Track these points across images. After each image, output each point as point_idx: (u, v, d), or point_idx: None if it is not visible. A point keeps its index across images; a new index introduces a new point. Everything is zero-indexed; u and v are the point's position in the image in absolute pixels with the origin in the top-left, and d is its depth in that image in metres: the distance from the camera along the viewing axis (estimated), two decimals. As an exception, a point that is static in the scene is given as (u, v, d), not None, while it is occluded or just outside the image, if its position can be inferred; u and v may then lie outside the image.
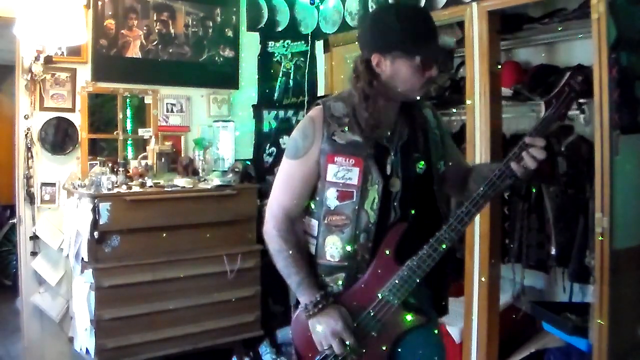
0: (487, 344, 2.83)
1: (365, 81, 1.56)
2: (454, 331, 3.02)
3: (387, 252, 1.56)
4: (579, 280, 2.77)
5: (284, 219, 1.63)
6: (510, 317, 3.04)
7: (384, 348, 1.58)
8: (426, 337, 1.65)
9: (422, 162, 1.62)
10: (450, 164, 1.73)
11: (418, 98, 1.62)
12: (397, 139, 1.61)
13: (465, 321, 2.94)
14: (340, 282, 1.59)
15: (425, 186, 1.63)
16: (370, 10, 3.51)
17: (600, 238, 2.32)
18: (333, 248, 1.58)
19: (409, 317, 1.57)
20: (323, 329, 1.54)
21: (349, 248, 1.56)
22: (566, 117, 1.55)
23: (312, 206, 1.63)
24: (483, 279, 2.83)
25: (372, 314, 1.56)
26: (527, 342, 2.95)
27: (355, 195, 1.56)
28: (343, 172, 1.56)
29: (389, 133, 1.61)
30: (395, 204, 1.57)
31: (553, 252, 2.85)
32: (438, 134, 1.70)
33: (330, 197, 1.58)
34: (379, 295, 1.55)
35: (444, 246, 1.51)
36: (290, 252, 1.60)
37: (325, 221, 1.59)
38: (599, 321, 2.31)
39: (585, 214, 2.69)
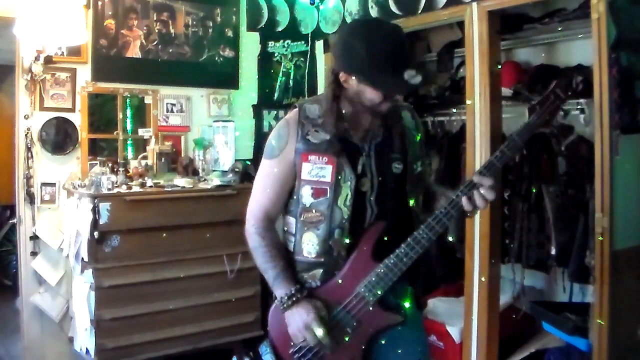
0: (487, 344, 2.83)
1: (332, 92, 1.62)
2: (454, 331, 3.02)
3: (365, 249, 1.59)
4: (579, 280, 2.77)
5: (262, 217, 1.68)
6: (510, 317, 3.04)
7: (359, 345, 1.61)
8: (407, 336, 1.67)
9: (399, 163, 1.66)
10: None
11: (384, 112, 1.64)
12: (371, 138, 1.65)
13: (465, 321, 2.94)
14: (317, 278, 1.63)
15: (400, 185, 1.66)
16: (370, 8, 3.52)
17: (600, 238, 2.32)
18: (310, 244, 1.63)
19: (384, 315, 1.60)
20: (296, 322, 1.58)
21: (324, 244, 1.60)
22: (550, 123, 1.59)
23: (290, 204, 1.69)
24: (483, 279, 2.83)
25: (347, 309, 1.59)
26: (527, 342, 2.95)
27: (328, 192, 1.61)
28: (317, 170, 1.61)
29: (362, 133, 1.65)
30: (371, 200, 1.61)
31: (553, 252, 2.85)
32: (416, 135, 1.74)
33: (306, 195, 1.63)
34: (355, 291, 1.58)
35: (421, 246, 1.55)
36: (267, 248, 1.65)
37: (302, 218, 1.64)
38: (599, 321, 2.31)
39: (585, 214, 2.70)
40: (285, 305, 1.59)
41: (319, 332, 1.55)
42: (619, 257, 2.33)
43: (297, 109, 1.68)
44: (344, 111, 1.63)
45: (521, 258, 2.95)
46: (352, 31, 1.60)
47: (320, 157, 1.61)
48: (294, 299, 1.58)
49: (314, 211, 1.62)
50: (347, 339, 1.60)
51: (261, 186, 1.70)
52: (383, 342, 1.63)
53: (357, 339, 1.60)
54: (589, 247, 2.60)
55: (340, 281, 1.60)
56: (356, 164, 1.62)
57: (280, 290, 1.61)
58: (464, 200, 1.53)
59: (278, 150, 1.66)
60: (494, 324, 2.85)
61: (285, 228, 1.71)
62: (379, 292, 1.57)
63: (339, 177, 1.60)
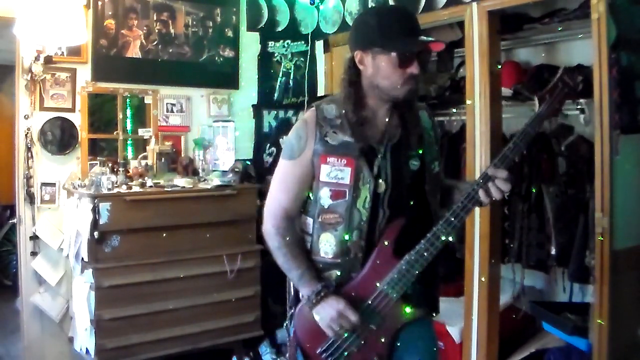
0: (487, 344, 2.83)
1: (350, 79, 1.63)
2: (454, 331, 3.02)
3: (386, 246, 1.60)
4: (579, 280, 2.77)
5: (282, 217, 1.68)
6: (510, 317, 3.04)
7: (383, 340, 1.62)
8: (423, 331, 1.71)
9: (417, 160, 1.66)
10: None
11: (403, 97, 1.63)
12: (387, 140, 1.65)
13: (465, 321, 2.94)
14: (333, 279, 1.63)
15: (418, 185, 1.67)
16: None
17: (600, 238, 2.32)
18: (327, 245, 1.63)
19: (408, 310, 1.61)
20: (328, 313, 1.58)
21: (342, 245, 1.61)
22: (560, 112, 1.59)
23: (307, 205, 1.69)
24: (483, 279, 2.83)
25: (372, 306, 1.60)
26: (527, 342, 2.95)
27: (347, 194, 1.61)
28: (336, 172, 1.62)
29: (378, 134, 1.65)
30: (383, 202, 1.61)
31: (553, 252, 2.85)
32: (432, 136, 1.74)
33: (324, 196, 1.63)
34: (378, 288, 1.59)
35: (441, 240, 1.56)
36: (289, 247, 1.66)
37: (319, 219, 1.64)
38: (599, 321, 2.31)
39: (585, 214, 2.69)
40: (313, 302, 1.60)
41: (353, 317, 1.56)
42: (619, 257, 2.33)
43: (314, 109, 1.68)
44: (362, 105, 1.64)
45: (521, 258, 2.95)
46: (364, 12, 1.70)
47: (339, 159, 1.61)
48: (322, 294, 1.59)
49: (332, 213, 1.62)
50: (372, 335, 1.61)
51: (280, 186, 1.71)
52: (401, 335, 1.64)
53: (381, 336, 1.62)
54: (589, 247, 2.59)
55: (363, 279, 1.61)
56: (372, 166, 1.62)
57: (306, 289, 1.62)
58: (481, 193, 1.54)
59: (298, 152, 1.66)
60: (494, 324, 2.85)
61: (302, 228, 1.71)
62: (402, 289, 1.58)
63: (358, 179, 1.60)
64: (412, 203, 1.65)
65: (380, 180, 1.61)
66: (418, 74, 1.59)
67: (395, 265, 1.58)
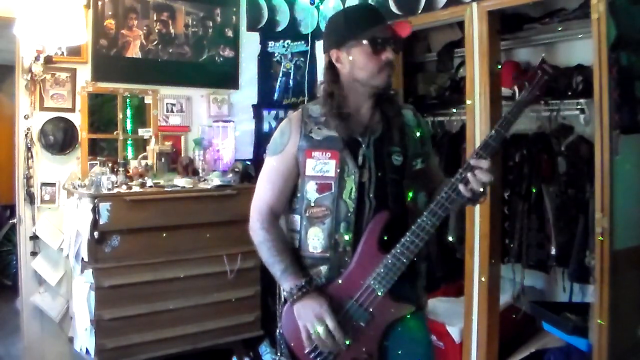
0: (487, 344, 2.83)
1: (328, 79, 1.68)
2: (454, 331, 3.02)
3: (371, 240, 1.60)
4: (579, 280, 2.77)
5: (267, 212, 1.70)
6: (510, 317, 3.04)
7: (374, 339, 1.61)
8: (416, 327, 1.69)
9: (399, 156, 1.67)
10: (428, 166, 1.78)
11: (383, 85, 1.66)
12: (370, 133, 1.68)
13: (465, 321, 2.94)
14: (322, 275, 1.64)
15: (401, 178, 1.68)
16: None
17: (600, 238, 2.32)
18: (315, 239, 1.64)
19: (396, 306, 1.61)
20: (307, 313, 1.57)
21: (330, 238, 1.62)
22: (540, 98, 1.60)
23: (294, 203, 1.71)
24: (483, 279, 2.83)
25: (358, 303, 1.59)
26: (527, 342, 2.95)
27: (333, 187, 1.63)
28: (321, 165, 1.65)
29: (361, 128, 1.68)
30: (370, 194, 1.63)
31: (553, 252, 2.85)
32: (417, 134, 1.75)
33: (310, 191, 1.65)
34: (365, 283, 1.59)
35: (425, 232, 1.55)
36: (273, 242, 1.67)
37: (307, 214, 1.66)
38: (599, 321, 2.31)
39: (585, 214, 2.70)
40: (295, 297, 1.59)
41: (332, 324, 1.55)
42: (619, 257, 2.33)
43: (300, 109, 1.74)
44: (341, 101, 1.67)
45: (521, 258, 2.95)
46: (332, 15, 1.76)
47: (324, 153, 1.64)
48: (304, 290, 1.59)
49: (319, 206, 1.64)
50: (361, 333, 1.60)
51: (265, 182, 1.73)
52: (392, 333, 1.63)
53: (371, 333, 1.61)
54: (589, 247, 2.60)
55: (349, 275, 1.61)
56: (356, 156, 1.64)
57: (288, 283, 1.61)
58: (461, 186, 1.51)
59: (281, 147, 1.70)
60: (494, 324, 2.86)
61: (290, 227, 1.72)
62: (389, 284, 1.57)
63: (343, 171, 1.62)
64: (395, 196, 1.65)
65: (364, 169, 1.63)
66: (393, 60, 1.63)
67: (381, 260, 1.58)
